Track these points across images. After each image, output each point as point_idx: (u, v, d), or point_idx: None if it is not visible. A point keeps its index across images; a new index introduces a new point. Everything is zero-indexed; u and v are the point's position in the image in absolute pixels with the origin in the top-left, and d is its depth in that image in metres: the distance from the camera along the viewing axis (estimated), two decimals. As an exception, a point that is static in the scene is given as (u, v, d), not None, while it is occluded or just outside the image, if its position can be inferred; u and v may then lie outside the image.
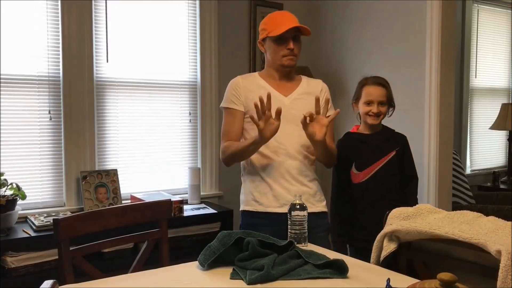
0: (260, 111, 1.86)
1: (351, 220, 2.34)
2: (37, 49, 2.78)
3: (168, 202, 1.98)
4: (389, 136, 2.37)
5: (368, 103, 2.28)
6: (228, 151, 2.08)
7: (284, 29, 2.00)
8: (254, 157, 2.08)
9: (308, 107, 2.05)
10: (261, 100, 1.85)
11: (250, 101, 2.05)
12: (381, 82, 2.31)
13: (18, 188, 2.56)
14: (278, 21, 2.05)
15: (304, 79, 2.22)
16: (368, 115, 2.29)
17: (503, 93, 5.15)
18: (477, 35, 4.81)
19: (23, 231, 2.51)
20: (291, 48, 2.05)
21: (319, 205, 2.14)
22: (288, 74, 2.15)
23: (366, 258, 1.71)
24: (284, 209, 1.96)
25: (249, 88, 2.11)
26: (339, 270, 1.45)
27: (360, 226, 2.31)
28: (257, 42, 2.19)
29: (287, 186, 2.07)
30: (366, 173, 2.31)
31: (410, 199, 2.29)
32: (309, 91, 2.15)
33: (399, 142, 2.35)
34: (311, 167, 2.15)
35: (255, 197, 2.09)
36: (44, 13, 2.79)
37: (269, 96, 1.88)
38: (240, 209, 2.16)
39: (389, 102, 2.31)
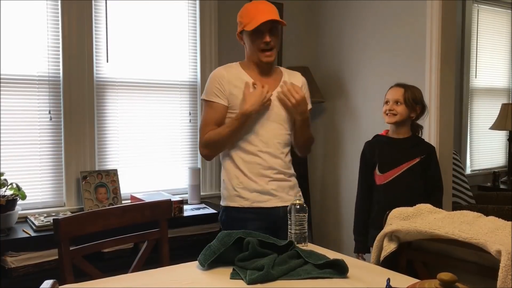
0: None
1: (371, 221, 2.38)
2: (37, 49, 2.78)
3: (168, 202, 1.98)
4: (416, 143, 2.39)
5: (386, 102, 2.37)
6: (211, 139, 2.09)
7: (258, 22, 1.98)
8: (237, 154, 2.11)
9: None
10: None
11: (235, 97, 2.09)
12: (401, 84, 2.39)
13: (18, 188, 2.56)
14: (253, 14, 2.02)
15: (284, 73, 2.22)
16: (385, 114, 2.36)
17: (503, 93, 5.15)
18: (477, 35, 4.81)
19: (23, 231, 2.51)
20: (267, 41, 2.04)
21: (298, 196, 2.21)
22: (269, 69, 2.16)
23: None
24: (269, 204, 2.10)
25: (234, 83, 2.10)
26: (339, 270, 1.45)
27: (379, 228, 2.33)
28: (236, 35, 2.15)
29: (271, 182, 2.12)
30: (387, 176, 2.35)
31: None
32: None
33: (425, 151, 2.37)
34: (290, 164, 2.21)
35: (239, 193, 2.10)
36: (44, 13, 2.79)
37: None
38: (223, 205, 2.18)
39: (407, 104, 2.32)
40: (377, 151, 2.40)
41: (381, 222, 2.30)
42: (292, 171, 2.22)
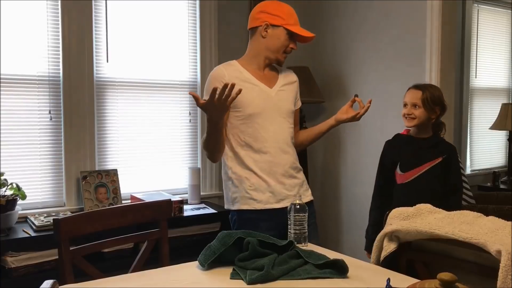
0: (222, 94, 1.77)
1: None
2: (37, 49, 2.78)
3: (168, 202, 1.98)
4: (436, 143, 2.36)
5: (404, 105, 2.36)
6: (203, 143, 2.03)
7: (306, 34, 2.07)
8: (246, 153, 2.05)
9: (289, 97, 2.17)
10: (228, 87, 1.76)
11: (238, 96, 2.02)
12: (418, 85, 2.36)
13: (18, 188, 2.57)
14: (295, 18, 2.09)
15: (280, 69, 2.23)
16: (404, 117, 2.35)
17: (503, 93, 5.15)
18: (477, 35, 4.81)
19: (23, 231, 2.51)
20: (295, 49, 2.11)
21: (307, 194, 2.19)
22: (272, 66, 2.17)
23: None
24: (281, 204, 2.05)
25: (235, 82, 1.99)
26: (339, 270, 1.45)
27: None
28: (260, 23, 2.06)
29: (282, 180, 2.07)
30: (409, 175, 2.34)
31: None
32: (287, 82, 2.20)
33: (447, 151, 2.35)
34: (297, 157, 2.19)
35: (252, 195, 2.05)
36: (44, 13, 2.79)
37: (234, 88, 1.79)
38: (234, 208, 2.09)
39: (426, 106, 2.29)
40: (399, 151, 2.39)
41: None
42: (299, 165, 2.18)
